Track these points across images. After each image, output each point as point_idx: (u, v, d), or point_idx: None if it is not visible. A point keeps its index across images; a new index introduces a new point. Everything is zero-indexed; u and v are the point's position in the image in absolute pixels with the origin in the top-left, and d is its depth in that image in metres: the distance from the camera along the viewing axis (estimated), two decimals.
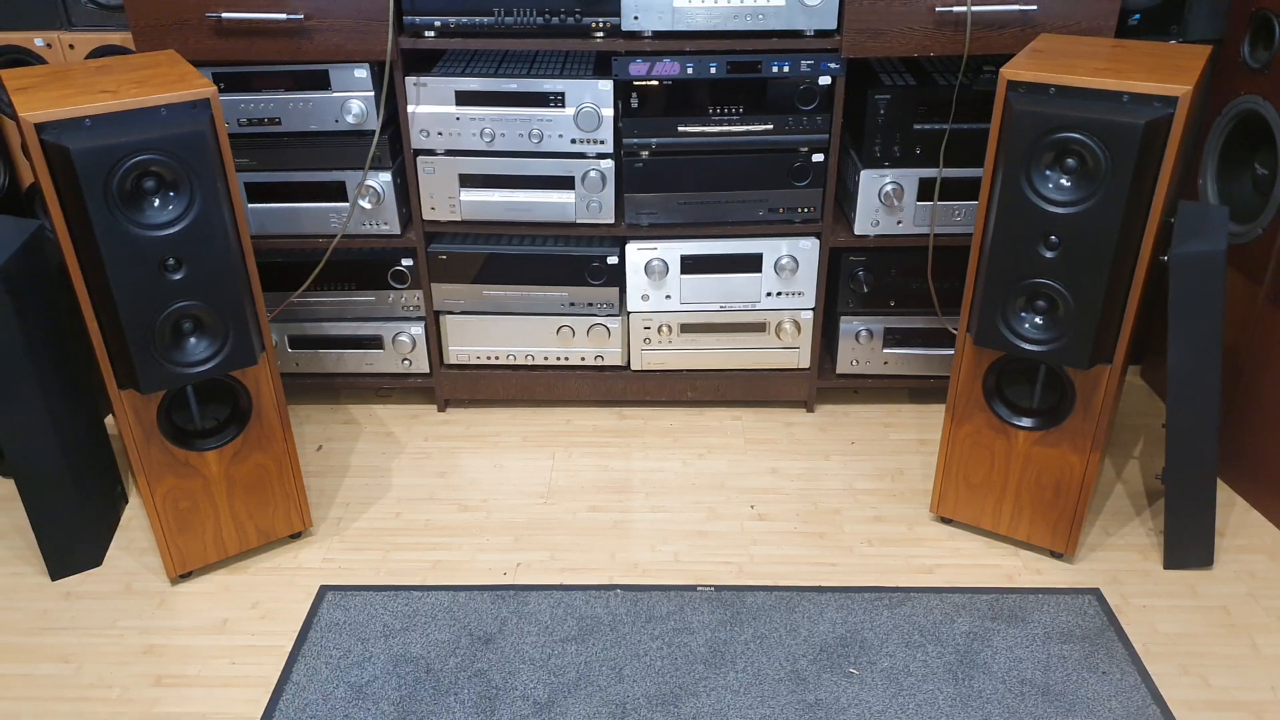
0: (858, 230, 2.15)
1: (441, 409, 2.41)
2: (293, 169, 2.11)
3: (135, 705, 1.62)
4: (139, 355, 1.58)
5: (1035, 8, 1.91)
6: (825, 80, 2.02)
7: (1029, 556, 1.91)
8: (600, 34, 1.99)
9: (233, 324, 1.64)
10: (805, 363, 2.31)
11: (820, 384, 2.34)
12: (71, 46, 2.09)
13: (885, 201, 2.11)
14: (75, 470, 1.85)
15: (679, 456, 2.23)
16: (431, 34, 1.99)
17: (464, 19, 1.96)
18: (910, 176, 2.09)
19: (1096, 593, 1.82)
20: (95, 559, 1.92)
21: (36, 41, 2.08)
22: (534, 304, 2.27)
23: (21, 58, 2.08)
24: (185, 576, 1.88)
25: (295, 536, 1.98)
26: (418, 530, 2.01)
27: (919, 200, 2.11)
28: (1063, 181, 1.58)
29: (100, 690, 1.65)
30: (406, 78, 2.02)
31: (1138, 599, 1.81)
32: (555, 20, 1.97)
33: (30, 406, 1.73)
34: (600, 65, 2.14)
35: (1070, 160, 1.57)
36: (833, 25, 1.96)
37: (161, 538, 1.81)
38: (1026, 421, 1.81)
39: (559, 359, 2.33)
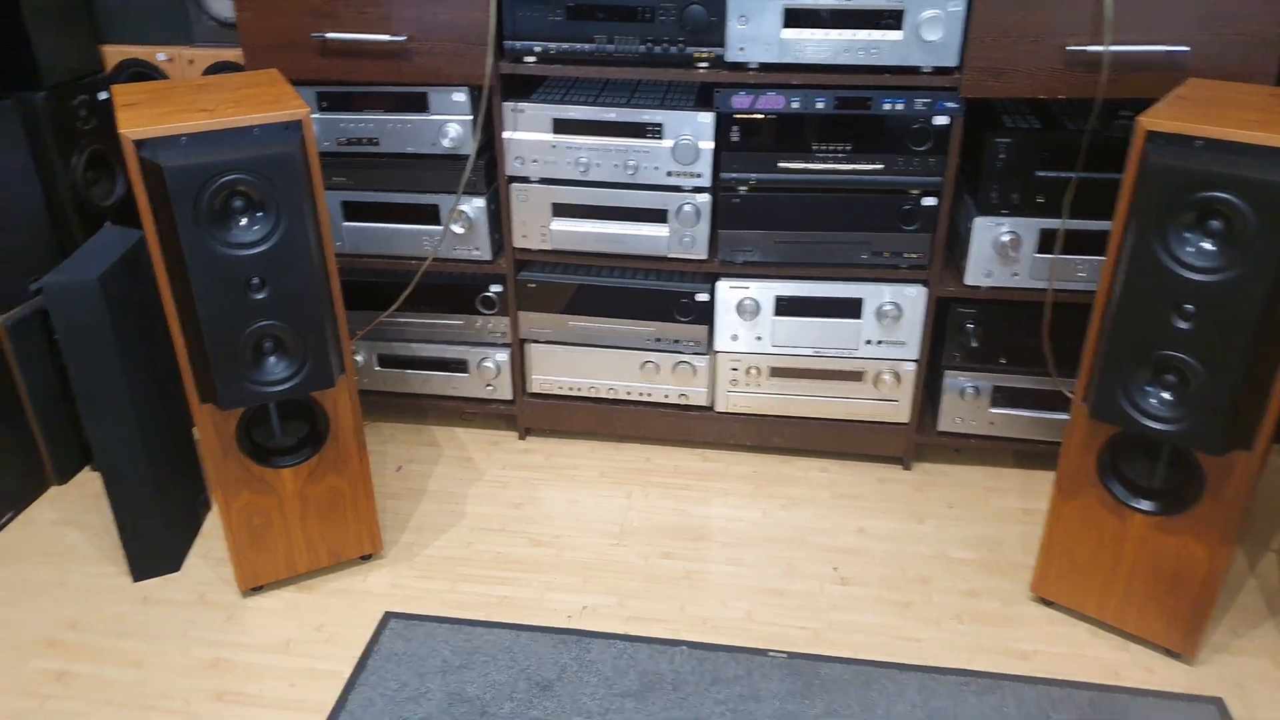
0: (969, 280, 2.01)
1: (522, 437, 2.38)
2: (388, 189, 2.11)
3: (194, 719, 1.62)
4: (219, 372, 1.58)
5: (1187, 49, 1.74)
6: (941, 120, 1.89)
7: (1139, 652, 1.73)
8: (704, 64, 1.93)
9: (312, 346, 1.63)
10: (904, 416, 2.17)
11: (919, 440, 2.20)
12: (191, 62, 2.16)
13: (1000, 251, 1.96)
14: (161, 476, 1.88)
15: (760, 506, 2.12)
16: (532, 59, 1.96)
17: (565, 45, 1.93)
18: (1030, 226, 1.94)
19: (1219, 702, 1.63)
20: (175, 564, 1.94)
21: (159, 56, 2.16)
22: (620, 338, 2.21)
23: (143, 71, 2.16)
24: (256, 590, 1.89)
25: (365, 559, 1.97)
26: (487, 562, 1.97)
27: (1038, 252, 1.96)
28: (1204, 245, 1.42)
29: (164, 700, 1.65)
30: (505, 103, 2.00)
31: (1268, 712, 1.61)
32: (658, 49, 1.91)
33: (121, 411, 1.77)
34: (702, 97, 2.07)
35: (1214, 222, 1.41)
36: (953, 62, 1.84)
37: (234, 551, 1.82)
38: (1145, 504, 1.64)
39: (642, 395, 2.26)
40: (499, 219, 2.16)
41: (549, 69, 1.96)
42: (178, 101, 1.58)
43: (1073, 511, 1.72)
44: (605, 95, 2.07)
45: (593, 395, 2.29)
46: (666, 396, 2.25)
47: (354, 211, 2.15)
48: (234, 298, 1.54)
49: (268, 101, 1.56)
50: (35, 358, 2.09)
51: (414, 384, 2.35)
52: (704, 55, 1.92)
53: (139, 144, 1.44)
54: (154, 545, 1.90)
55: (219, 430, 1.71)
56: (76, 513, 2.11)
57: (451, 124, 2.02)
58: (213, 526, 2.07)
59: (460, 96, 1.99)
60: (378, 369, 2.34)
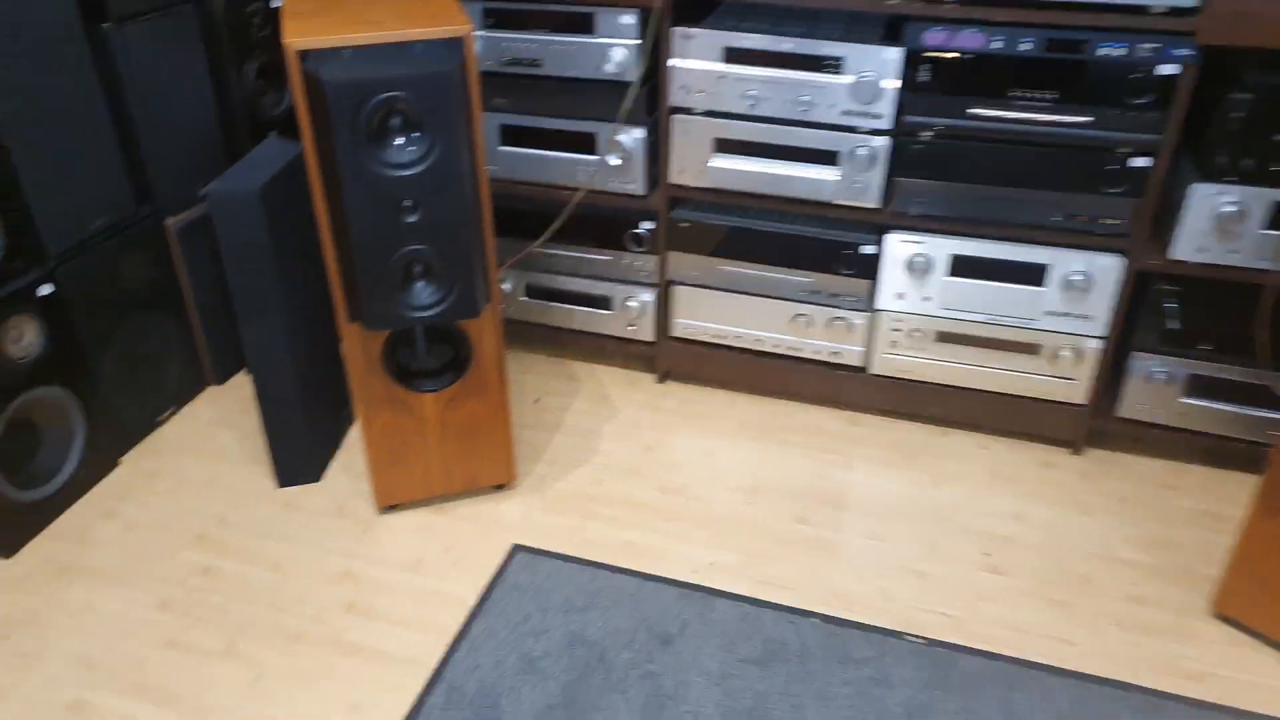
0: (1175, 254, 1.78)
1: (660, 380, 2.31)
2: (547, 114, 2.04)
3: (324, 628, 1.66)
4: (367, 293, 1.57)
5: None
6: (1168, 69, 1.66)
7: None
8: None
9: (460, 274, 1.60)
10: (1081, 397, 1.98)
11: (1093, 424, 2.00)
12: None
13: (1220, 224, 1.72)
14: (309, 386, 1.91)
15: (908, 478, 1.99)
16: None
17: None
18: (1260, 198, 1.69)
19: None
20: (316, 474, 1.99)
21: None
22: (772, 286, 2.09)
23: None
24: (391, 509, 1.91)
25: (498, 488, 1.96)
26: (616, 503, 1.93)
27: (1266, 229, 1.71)
28: None
29: (298, 605, 1.70)
30: (674, 28, 1.88)
31: None
32: None
33: (274, 319, 1.80)
34: (889, 31, 1.89)
35: None
36: (1192, 2, 1.60)
37: (373, 468, 1.84)
38: None
39: (790, 349, 2.14)
40: (656, 152, 2.06)
41: None
42: (346, 11, 1.54)
43: (1275, 530, 1.52)
44: (782, 24, 1.92)
45: (737, 345, 2.19)
46: (817, 353, 2.13)
47: (511, 135, 2.09)
48: (386, 219, 1.51)
49: (432, 15, 1.51)
50: (201, 261, 2.16)
51: (557, 317, 2.31)
52: None
53: (302, 55, 1.41)
54: (298, 454, 1.95)
55: (365, 349, 1.71)
56: (230, 413, 2.19)
57: (617, 48, 1.92)
58: (355, 440, 2.11)
59: (629, 19, 1.89)
60: (523, 299, 2.31)
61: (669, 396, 2.26)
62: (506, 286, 2.30)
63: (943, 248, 1.93)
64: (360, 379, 1.74)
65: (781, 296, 2.09)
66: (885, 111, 1.84)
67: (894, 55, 1.79)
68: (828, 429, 2.14)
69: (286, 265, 1.79)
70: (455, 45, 1.44)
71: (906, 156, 1.87)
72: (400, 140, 1.48)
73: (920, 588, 1.73)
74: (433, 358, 1.79)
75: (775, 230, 2.03)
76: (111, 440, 2.01)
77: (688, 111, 1.96)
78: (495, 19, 1.98)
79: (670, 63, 1.91)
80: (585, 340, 2.31)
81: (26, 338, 1.78)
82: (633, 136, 2.00)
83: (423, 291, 1.62)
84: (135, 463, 2.05)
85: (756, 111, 1.91)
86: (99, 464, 1.98)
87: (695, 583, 1.74)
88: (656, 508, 1.92)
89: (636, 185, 2.06)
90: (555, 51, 1.96)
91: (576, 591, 1.72)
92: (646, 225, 2.12)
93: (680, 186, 2.04)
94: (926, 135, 1.84)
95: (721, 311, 2.16)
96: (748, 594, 1.71)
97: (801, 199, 1.97)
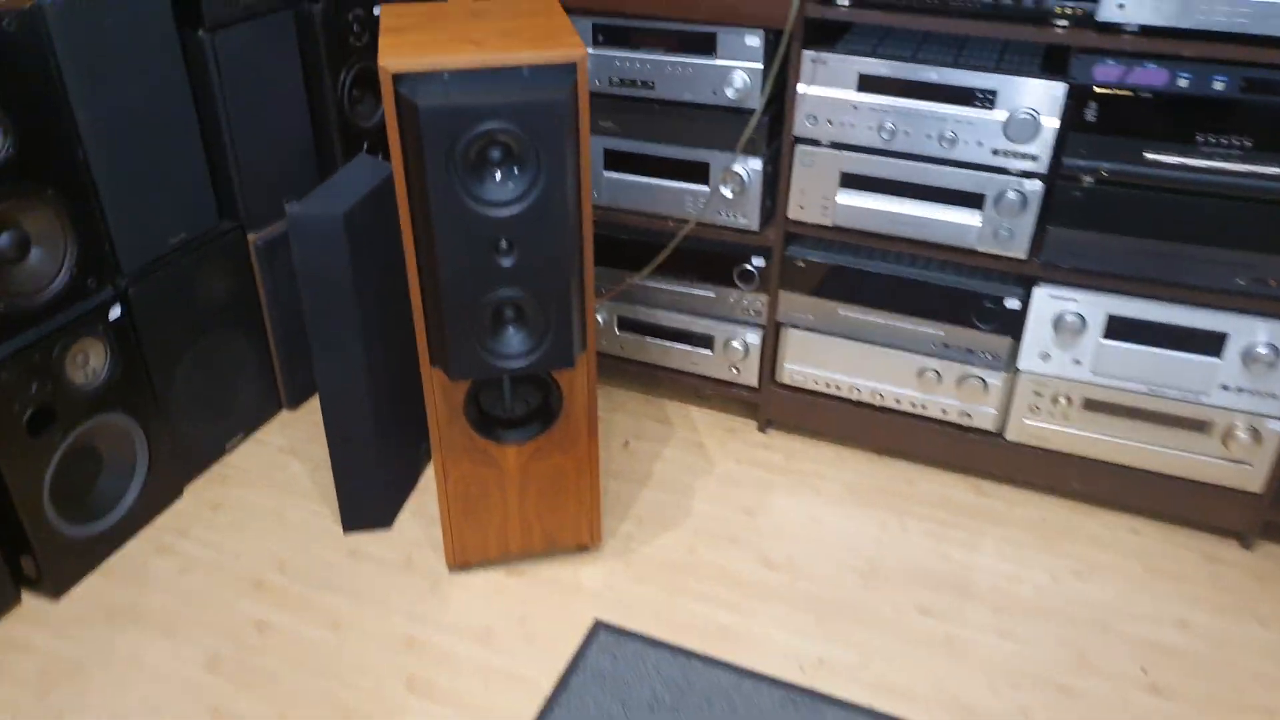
0: None
1: (762, 429, 2.11)
2: (658, 140, 1.86)
3: (381, 706, 1.50)
4: (453, 339, 1.41)
5: None
6: None
7: None
8: (1063, 22, 1.52)
9: (555, 321, 1.42)
10: (1256, 485, 1.71)
11: (1271, 516, 1.73)
12: None
13: None
14: (384, 426, 1.77)
15: (1047, 566, 1.75)
16: (845, 2, 1.62)
17: None
18: None
19: None
20: (386, 519, 1.85)
21: None
22: (898, 337, 1.87)
23: None
24: (463, 567, 1.75)
25: (580, 549, 1.79)
26: (711, 576, 1.73)
27: None
28: None
29: (356, 675, 1.55)
30: (804, 51, 1.68)
31: None
32: (1009, 0, 1.52)
33: (351, 354, 1.66)
34: (1049, 61, 1.66)
35: None
36: None
37: (447, 522, 1.68)
38: None
39: (914, 405, 1.92)
40: (773, 185, 1.86)
41: (865, 15, 1.62)
42: (447, 28, 1.38)
43: None
44: (923, 50, 1.70)
45: (852, 396, 1.97)
46: (944, 412, 1.90)
47: (616, 160, 1.92)
48: (479, 260, 1.35)
49: (542, 36, 1.34)
50: (282, 279, 2.04)
51: (652, 353, 2.12)
52: (1067, 11, 1.51)
53: (397, 78, 1.25)
54: (367, 498, 1.81)
55: (446, 395, 1.55)
56: (302, 441, 2.07)
57: (739, 71, 1.72)
58: (430, 481, 1.96)
59: (754, 40, 1.69)
60: (617, 332, 2.13)
61: (772, 449, 2.05)
62: (599, 318, 2.13)
63: (1099, 306, 1.69)
64: (439, 425, 1.59)
65: (907, 348, 1.87)
66: (1042, 152, 1.61)
67: (1056, 90, 1.56)
68: (954, 499, 1.90)
69: (367, 295, 1.65)
70: (567, 71, 1.27)
71: (1063, 203, 1.63)
72: (499, 174, 1.31)
73: (1068, 707, 1.49)
74: (518, 401, 1.62)
75: (905, 276, 1.81)
76: (177, 468, 1.90)
77: (813, 142, 1.76)
78: (605, 36, 1.80)
79: (798, 89, 1.71)
80: (681, 380, 2.13)
81: (93, 362, 1.67)
82: (749, 167, 1.81)
83: (514, 338, 1.45)
84: (200, 492, 1.93)
85: (892, 145, 1.70)
86: (162, 493, 1.87)
87: (802, 685, 1.53)
88: (757, 585, 1.72)
89: (749, 219, 1.87)
90: (670, 73, 1.78)
91: (665, 686, 1.53)
92: (757, 261, 1.92)
93: (799, 222, 1.84)
94: (1089, 180, 1.61)
95: (837, 359, 1.95)
96: (864, 702, 1.50)
97: (937, 243, 1.75)
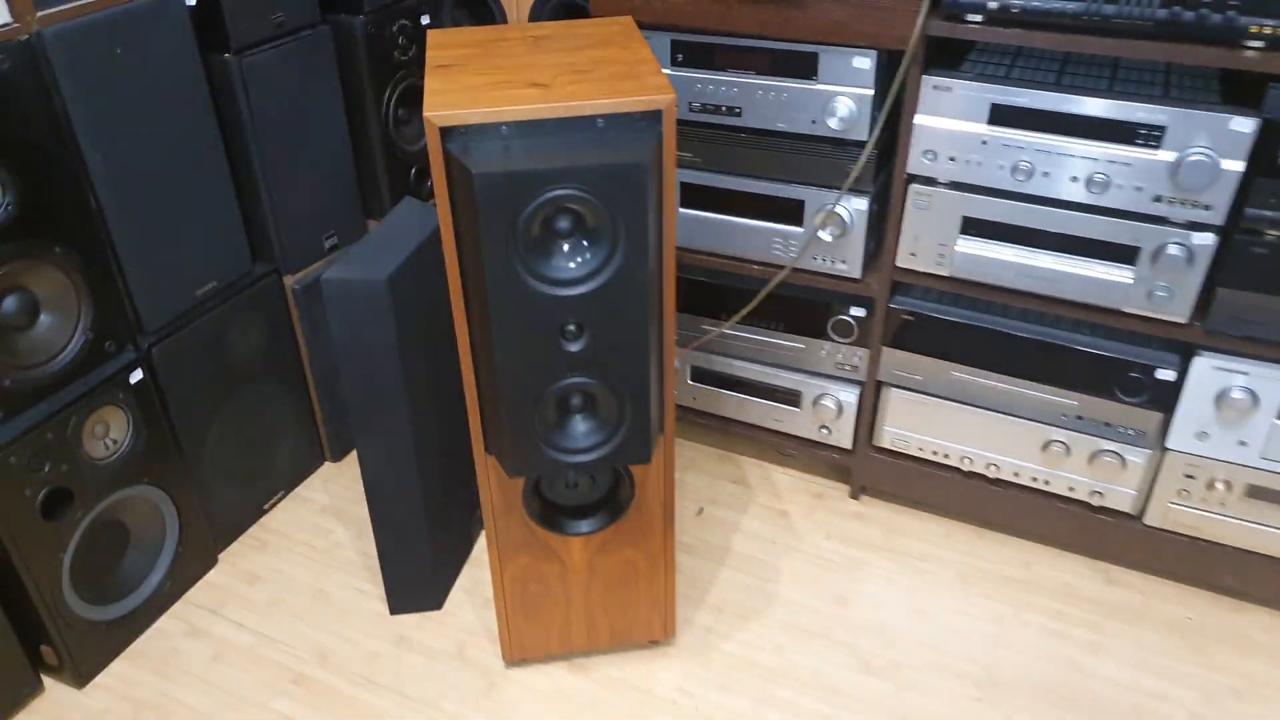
0: None
1: (855, 495, 1.87)
2: (744, 174, 1.62)
3: None
4: (511, 432, 1.19)
5: None
6: None
7: None
8: (1257, 43, 1.24)
9: (630, 411, 1.20)
10: None
11: None
12: None
13: None
14: (434, 505, 1.57)
15: (1197, 681, 1.48)
16: (978, 19, 1.35)
17: (1037, 1, 1.30)
18: None
19: None
20: (438, 600, 1.65)
21: None
22: (1021, 404, 1.61)
23: (478, 7, 1.78)
24: (522, 662, 1.55)
25: (652, 644, 1.57)
26: (803, 682, 1.51)
27: None
28: None
29: None
30: (925, 76, 1.42)
31: None
32: (1188, 15, 1.24)
33: (397, 433, 1.46)
34: (1229, 92, 1.37)
35: None
36: None
37: (504, 619, 1.48)
38: None
39: (1035, 479, 1.66)
40: (880, 228, 1.61)
41: (1001, 34, 1.35)
42: (503, 65, 1.16)
43: None
44: (1066, 77, 1.43)
45: (963, 467, 1.72)
46: (1072, 490, 1.64)
47: (694, 196, 1.68)
48: (542, 345, 1.13)
49: (618, 75, 1.10)
50: (323, 322, 1.85)
51: (729, 407, 1.89)
52: (1265, 31, 1.22)
53: (445, 133, 1.03)
54: (416, 581, 1.61)
55: (503, 487, 1.35)
56: (345, 500, 1.88)
57: (844, 98, 1.47)
58: (483, 552, 1.76)
59: (863, 62, 1.44)
60: (690, 382, 1.91)
61: (866, 520, 1.81)
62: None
63: (1275, 382, 1.41)
64: (495, 517, 1.38)
65: (1031, 417, 1.62)
66: (1218, 201, 1.33)
67: (1245, 127, 1.28)
68: (1081, 591, 1.64)
69: (415, 364, 1.44)
70: (651, 121, 1.03)
71: (1240, 260, 1.35)
72: (568, 247, 1.08)
73: None
74: (584, 488, 1.41)
75: (1033, 337, 1.55)
76: (210, 536, 1.73)
77: (930, 181, 1.50)
78: (686, 55, 1.56)
79: (916, 120, 1.45)
80: (762, 437, 1.89)
81: (113, 433, 1.50)
82: (853, 207, 1.56)
83: (581, 428, 1.23)
84: (235, 560, 1.76)
85: (1026, 188, 1.44)
86: (194, 566, 1.70)
87: None
88: (857, 697, 1.49)
89: (850, 266, 1.62)
90: (762, 98, 1.53)
91: None
92: (856, 312, 1.68)
93: (909, 271, 1.58)
94: (1274, 235, 1.33)
95: (946, 424, 1.70)
96: None
97: (1076, 302, 1.48)
